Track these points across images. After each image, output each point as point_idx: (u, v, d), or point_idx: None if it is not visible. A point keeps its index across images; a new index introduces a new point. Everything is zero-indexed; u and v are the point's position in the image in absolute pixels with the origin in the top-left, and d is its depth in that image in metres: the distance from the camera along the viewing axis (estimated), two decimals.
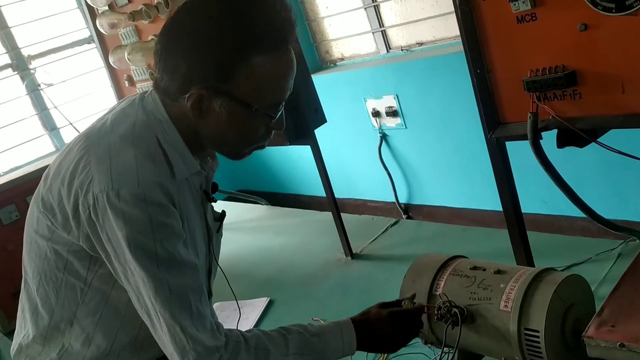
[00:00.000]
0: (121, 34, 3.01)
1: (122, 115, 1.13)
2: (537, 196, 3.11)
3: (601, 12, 1.40)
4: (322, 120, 2.48)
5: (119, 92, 3.34)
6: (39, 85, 4.02)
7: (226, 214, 1.32)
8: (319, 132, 2.50)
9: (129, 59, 2.91)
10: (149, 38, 2.89)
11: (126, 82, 3.20)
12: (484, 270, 1.57)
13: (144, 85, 3.04)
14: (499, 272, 1.54)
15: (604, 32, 1.43)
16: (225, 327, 1.13)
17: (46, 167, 1.21)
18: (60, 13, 4.09)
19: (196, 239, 1.16)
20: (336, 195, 2.68)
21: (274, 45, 1.08)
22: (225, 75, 1.05)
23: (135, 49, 2.90)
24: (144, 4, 2.77)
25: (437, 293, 1.59)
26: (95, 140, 1.10)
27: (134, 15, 2.78)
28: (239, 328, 1.19)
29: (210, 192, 1.22)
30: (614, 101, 1.48)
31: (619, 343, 1.11)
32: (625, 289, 1.25)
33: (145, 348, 1.19)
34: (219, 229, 1.30)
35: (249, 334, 1.14)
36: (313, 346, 1.17)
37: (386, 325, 1.28)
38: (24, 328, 1.21)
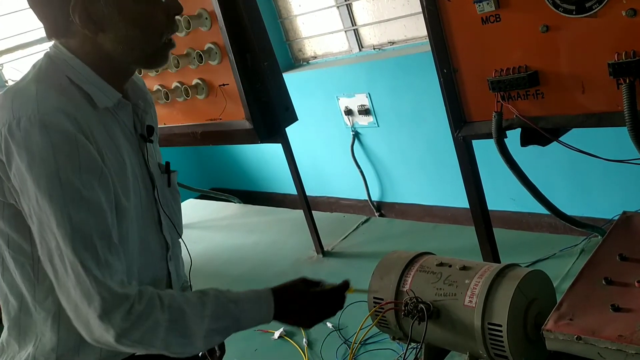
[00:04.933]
0: None
1: (27, 71, 1.12)
2: (505, 194, 3.17)
3: (562, 13, 1.44)
4: (293, 118, 2.48)
5: None
6: (7, 81, 3.94)
7: (171, 167, 1.27)
8: (291, 130, 2.51)
9: None
10: None
11: None
12: (450, 266, 1.60)
13: None
14: (464, 268, 1.57)
15: (565, 33, 1.47)
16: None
17: None
18: (28, 9, 4.01)
19: (128, 181, 1.10)
20: (309, 193, 2.69)
21: None
22: None
23: None
24: None
25: (405, 289, 1.62)
26: (2, 95, 1.08)
27: None
28: None
29: (146, 135, 1.19)
30: (575, 101, 1.53)
31: (576, 336, 1.14)
32: (583, 284, 1.28)
33: None
34: (170, 183, 1.25)
35: (164, 292, 1.06)
36: (229, 312, 1.11)
37: (306, 301, 1.25)
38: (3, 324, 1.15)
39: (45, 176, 0.96)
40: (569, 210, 2.76)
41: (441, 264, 1.62)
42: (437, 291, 1.55)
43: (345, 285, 1.35)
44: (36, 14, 1.10)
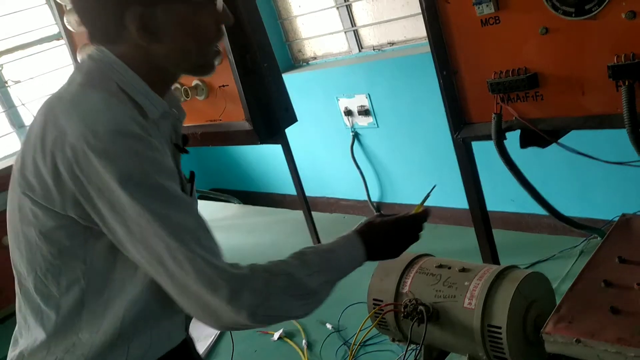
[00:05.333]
0: None
1: (74, 74, 1.09)
2: (505, 195, 3.17)
3: (561, 16, 1.44)
4: (292, 119, 2.48)
5: None
6: (6, 82, 3.94)
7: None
8: (291, 131, 2.51)
9: None
10: None
11: None
12: (449, 268, 1.61)
13: None
14: (463, 270, 1.58)
15: (564, 35, 1.47)
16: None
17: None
18: (29, 9, 4.01)
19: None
20: (308, 194, 2.69)
21: None
22: None
23: None
24: None
25: (404, 291, 1.62)
26: (54, 101, 1.04)
27: None
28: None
29: (181, 144, 1.18)
30: (574, 103, 1.53)
31: (575, 339, 1.14)
32: (583, 286, 1.29)
33: (160, 318, 1.10)
34: (192, 192, 1.25)
35: (268, 264, 1.06)
36: (331, 262, 1.12)
37: (390, 233, 1.25)
38: (29, 336, 1.11)
39: (136, 184, 0.95)
40: (568, 211, 2.77)
41: (440, 266, 1.62)
42: (436, 293, 1.56)
43: (423, 214, 1.34)
44: (82, 18, 1.07)
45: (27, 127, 1.09)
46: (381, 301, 1.63)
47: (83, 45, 3.02)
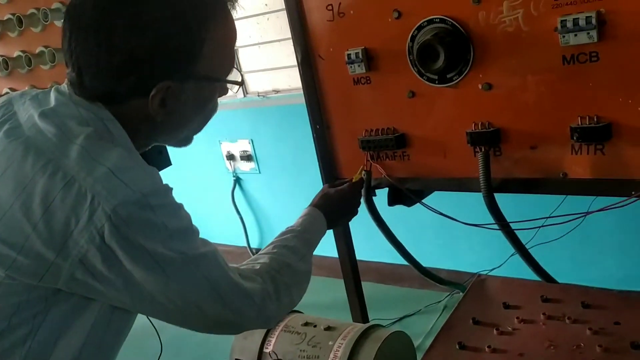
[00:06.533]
0: None
1: (59, 117, 0.93)
2: (381, 245, 3.23)
3: (426, 82, 1.50)
4: (166, 163, 2.37)
5: None
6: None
7: None
8: (171, 174, 2.39)
9: None
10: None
11: None
12: (315, 326, 1.58)
13: None
14: (329, 328, 1.55)
15: (429, 100, 1.53)
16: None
17: None
18: None
19: None
20: None
21: (224, 7, 0.99)
22: (192, 58, 0.94)
23: None
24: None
25: (268, 350, 1.56)
26: (55, 152, 0.88)
27: None
28: None
29: None
30: (438, 165, 1.58)
31: None
32: (439, 349, 1.30)
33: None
34: None
35: (267, 261, 1.16)
36: (310, 241, 1.29)
37: (340, 200, 1.50)
38: None
39: (184, 252, 0.94)
40: (438, 264, 2.87)
41: (306, 324, 1.59)
42: (300, 353, 1.51)
43: (360, 182, 1.60)
44: (92, 64, 0.92)
45: None
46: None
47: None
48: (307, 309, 1.69)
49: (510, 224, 1.54)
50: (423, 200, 1.68)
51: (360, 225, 1.98)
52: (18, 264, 0.85)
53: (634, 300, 1.38)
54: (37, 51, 2.52)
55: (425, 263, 2.05)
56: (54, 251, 0.85)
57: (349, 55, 1.57)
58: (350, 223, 1.81)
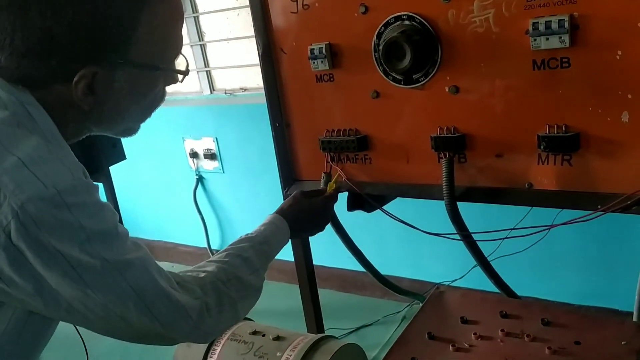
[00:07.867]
0: None
1: None
2: (344, 252, 3.16)
3: (391, 82, 1.43)
4: (120, 157, 2.26)
5: None
6: None
7: None
8: (129, 167, 2.28)
9: None
10: None
11: None
12: (264, 335, 1.49)
13: None
14: (278, 338, 1.46)
15: (393, 101, 1.45)
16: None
17: None
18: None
19: None
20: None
21: None
22: (123, 42, 0.84)
23: None
24: None
25: None
26: None
27: None
28: None
29: None
30: (400, 170, 1.51)
31: None
32: None
33: None
34: None
35: (214, 271, 1.05)
36: (267, 254, 1.19)
37: (309, 213, 1.37)
38: None
39: (102, 242, 0.83)
40: (402, 272, 2.80)
41: (255, 332, 1.50)
42: None
43: (333, 196, 1.46)
44: (14, 54, 0.83)
45: None
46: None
47: None
48: (261, 316, 1.60)
49: (473, 235, 1.48)
50: (385, 207, 1.60)
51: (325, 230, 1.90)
52: None
53: (596, 319, 1.33)
54: None
55: (389, 271, 1.98)
56: None
57: (312, 50, 1.49)
58: None
